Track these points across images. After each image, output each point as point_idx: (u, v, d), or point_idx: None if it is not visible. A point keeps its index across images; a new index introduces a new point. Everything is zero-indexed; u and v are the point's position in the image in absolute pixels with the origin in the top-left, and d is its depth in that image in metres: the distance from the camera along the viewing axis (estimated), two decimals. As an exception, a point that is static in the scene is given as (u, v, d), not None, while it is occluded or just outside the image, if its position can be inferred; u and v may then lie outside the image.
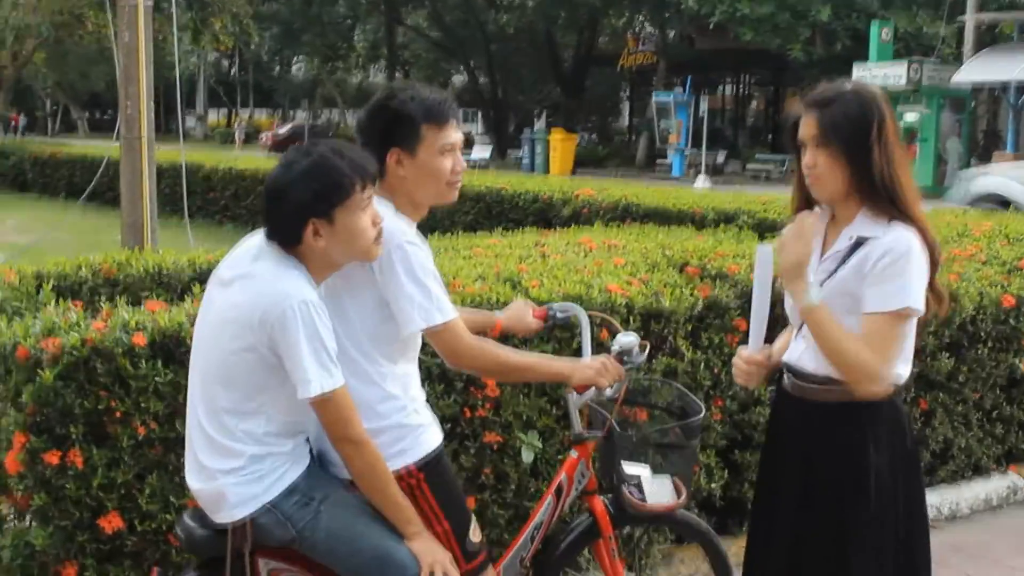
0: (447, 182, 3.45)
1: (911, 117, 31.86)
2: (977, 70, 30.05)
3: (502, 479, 4.63)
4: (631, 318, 4.82)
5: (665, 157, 40.56)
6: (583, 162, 41.74)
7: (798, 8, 35.58)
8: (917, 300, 3.20)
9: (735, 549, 5.33)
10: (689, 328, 5.12)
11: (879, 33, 33.52)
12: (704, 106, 37.75)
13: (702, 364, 5.13)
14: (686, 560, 5.27)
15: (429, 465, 3.41)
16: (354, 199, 3.13)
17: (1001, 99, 31.49)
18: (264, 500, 3.17)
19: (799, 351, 3.42)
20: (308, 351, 3.04)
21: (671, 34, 46.83)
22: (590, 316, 4.21)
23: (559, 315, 4.23)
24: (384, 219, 3.25)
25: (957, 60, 34.24)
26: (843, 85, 3.35)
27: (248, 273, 3.15)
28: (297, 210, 3.11)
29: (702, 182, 31.94)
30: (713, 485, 5.27)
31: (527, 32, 48.92)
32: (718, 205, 10.15)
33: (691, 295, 5.09)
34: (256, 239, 3.25)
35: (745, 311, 5.27)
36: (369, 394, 3.32)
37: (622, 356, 3.83)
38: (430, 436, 3.46)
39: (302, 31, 55.72)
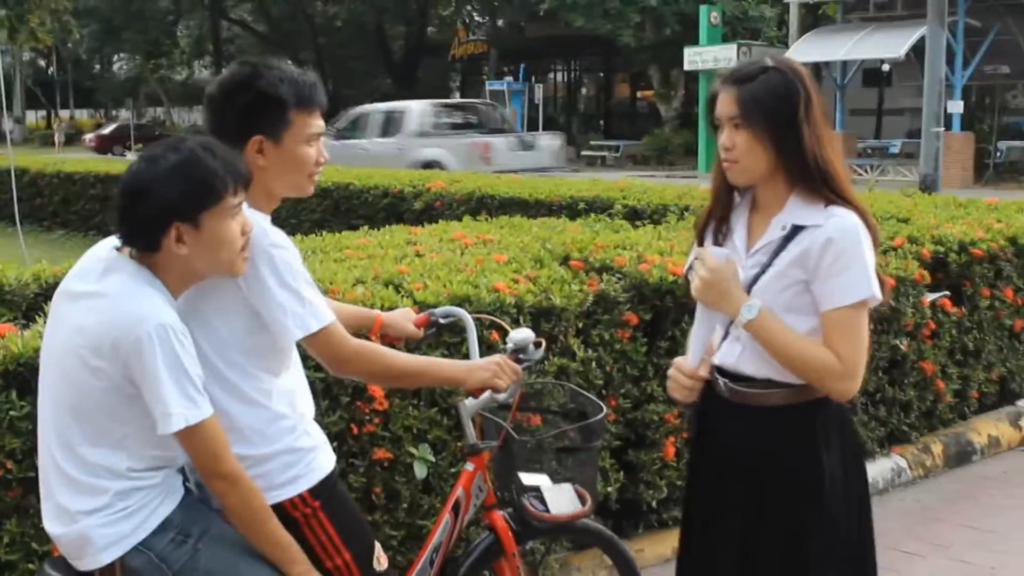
0: (308, 173, 3.10)
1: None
2: (805, 51, 30.58)
3: (393, 498, 4.32)
4: (521, 318, 4.54)
5: (501, 145, 40.45)
6: (419, 153, 41.29)
7: (628, -7, 35.92)
8: (877, 287, 2.99)
9: (632, 553, 5.16)
10: (579, 325, 4.87)
11: (708, 17, 34.02)
12: (540, 93, 37.65)
13: (593, 362, 4.88)
14: (583, 568, 5.04)
15: (325, 490, 3.07)
16: (225, 204, 2.77)
17: (825, 78, 32.19)
18: (134, 540, 2.79)
19: (735, 353, 3.14)
20: (169, 381, 2.68)
21: (500, 22, 46.77)
22: (476, 319, 3.93)
23: (441, 320, 3.93)
24: None
25: (782, 42, 34.97)
26: (764, 60, 3.08)
27: (96, 292, 2.77)
28: (160, 211, 2.74)
29: (540, 169, 31.90)
30: (609, 488, 5.04)
31: (355, 23, 48.35)
32: (576, 193, 9.94)
33: (580, 290, 4.84)
34: (105, 248, 2.87)
35: (634, 304, 5.05)
36: (252, 417, 2.97)
37: (518, 354, 3.55)
38: (324, 458, 3.12)
39: (122, 27, 54.16)
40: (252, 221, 2.90)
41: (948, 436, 6.87)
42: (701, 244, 3.27)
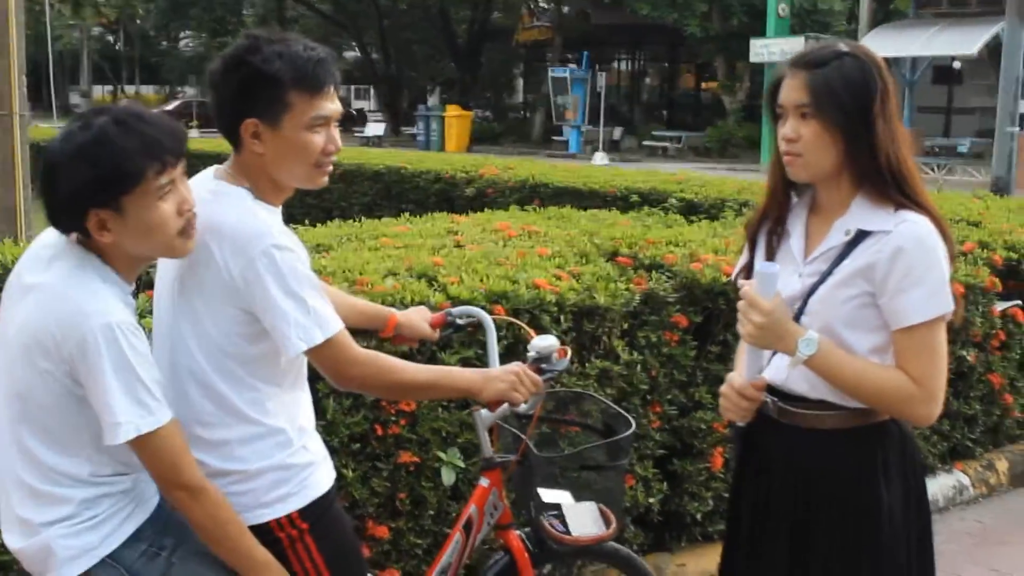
0: (315, 163, 2.73)
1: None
2: (875, 46, 29.78)
3: (419, 504, 4.06)
4: (562, 317, 4.27)
5: (561, 133, 40.12)
6: (478, 138, 41.16)
7: (695, -17, 35.48)
8: (952, 300, 2.69)
9: (673, 568, 4.91)
10: (625, 326, 4.57)
11: (776, 8, 33.45)
12: (602, 82, 37.23)
13: (638, 366, 4.58)
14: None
15: (316, 512, 2.78)
16: (147, 186, 2.47)
17: (894, 74, 31.60)
18: (102, 552, 2.54)
19: (785, 370, 2.84)
20: (116, 386, 2.41)
21: (566, 8, 46.40)
22: (495, 320, 3.62)
23: (459, 321, 3.61)
24: (243, 215, 2.63)
25: (851, 36, 34.36)
26: (838, 45, 2.78)
27: (40, 284, 2.51)
28: (71, 197, 2.46)
29: (600, 159, 31.64)
30: (651, 500, 4.75)
31: (420, 6, 48.12)
32: (632, 184, 9.65)
33: (626, 289, 4.54)
34: (54, 233, 2.60)
35: (684, 305, 4.76)
36: (243, 431, 2.69)
37: (540, 364, 3.23)
38: (320, 476, 2.83)
39: (189, 4, 54.30)
40: (252, 217, 2.64)
41: (1014, 453, 6.57)
42: (753, 247, 2.98)
